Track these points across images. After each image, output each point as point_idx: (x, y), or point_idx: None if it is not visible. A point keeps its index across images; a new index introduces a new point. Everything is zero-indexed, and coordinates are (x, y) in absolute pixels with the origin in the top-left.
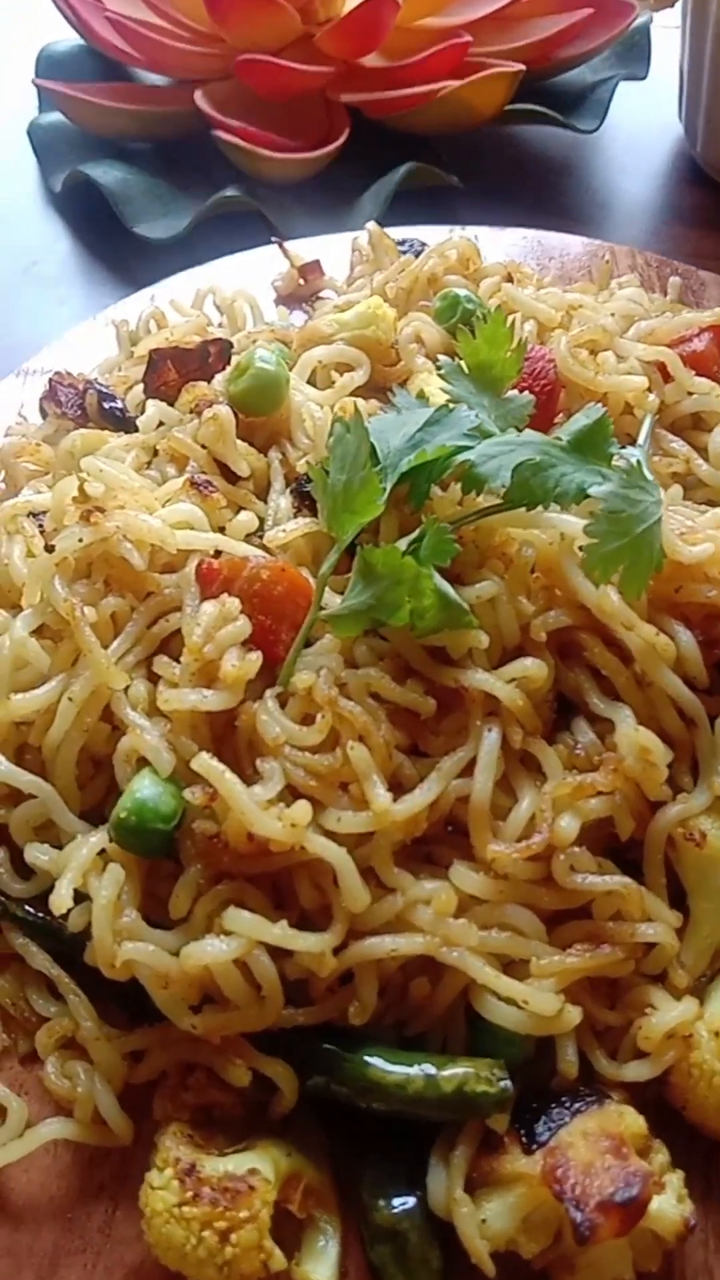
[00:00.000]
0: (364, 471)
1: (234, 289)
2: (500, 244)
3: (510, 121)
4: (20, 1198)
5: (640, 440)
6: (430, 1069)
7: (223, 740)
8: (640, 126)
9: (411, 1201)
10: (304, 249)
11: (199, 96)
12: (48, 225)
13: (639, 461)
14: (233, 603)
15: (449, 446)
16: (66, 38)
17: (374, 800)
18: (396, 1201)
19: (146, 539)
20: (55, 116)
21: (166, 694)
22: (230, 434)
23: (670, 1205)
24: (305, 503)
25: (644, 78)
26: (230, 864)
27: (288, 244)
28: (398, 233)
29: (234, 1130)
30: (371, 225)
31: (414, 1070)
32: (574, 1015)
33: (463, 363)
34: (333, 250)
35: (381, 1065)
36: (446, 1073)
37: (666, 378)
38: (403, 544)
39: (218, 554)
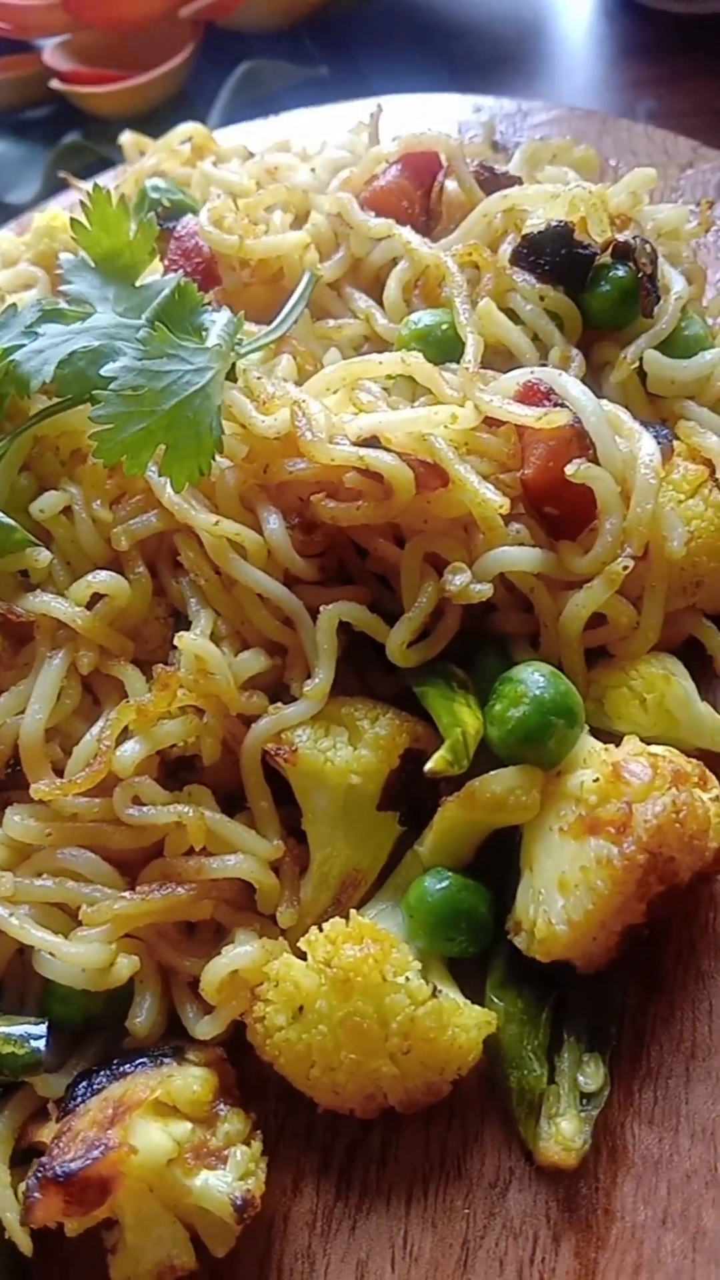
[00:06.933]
0: None
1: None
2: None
3: None
4: None
5: (292, 302)
6: None
7: None
8: None
9: None
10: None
11: (47, 52)
12: None
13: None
14: None
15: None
16: None
17: None
18: None
19: None
20: None
21: None
22: None
23: (223, 1183)
24: None
25: None
26: None
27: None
28: None
29: None
30: (123, 136)
31: None
32: (124, 967)
33: (85, 256)
34: None
35: None
36: None
37: None
38: None
39: None
